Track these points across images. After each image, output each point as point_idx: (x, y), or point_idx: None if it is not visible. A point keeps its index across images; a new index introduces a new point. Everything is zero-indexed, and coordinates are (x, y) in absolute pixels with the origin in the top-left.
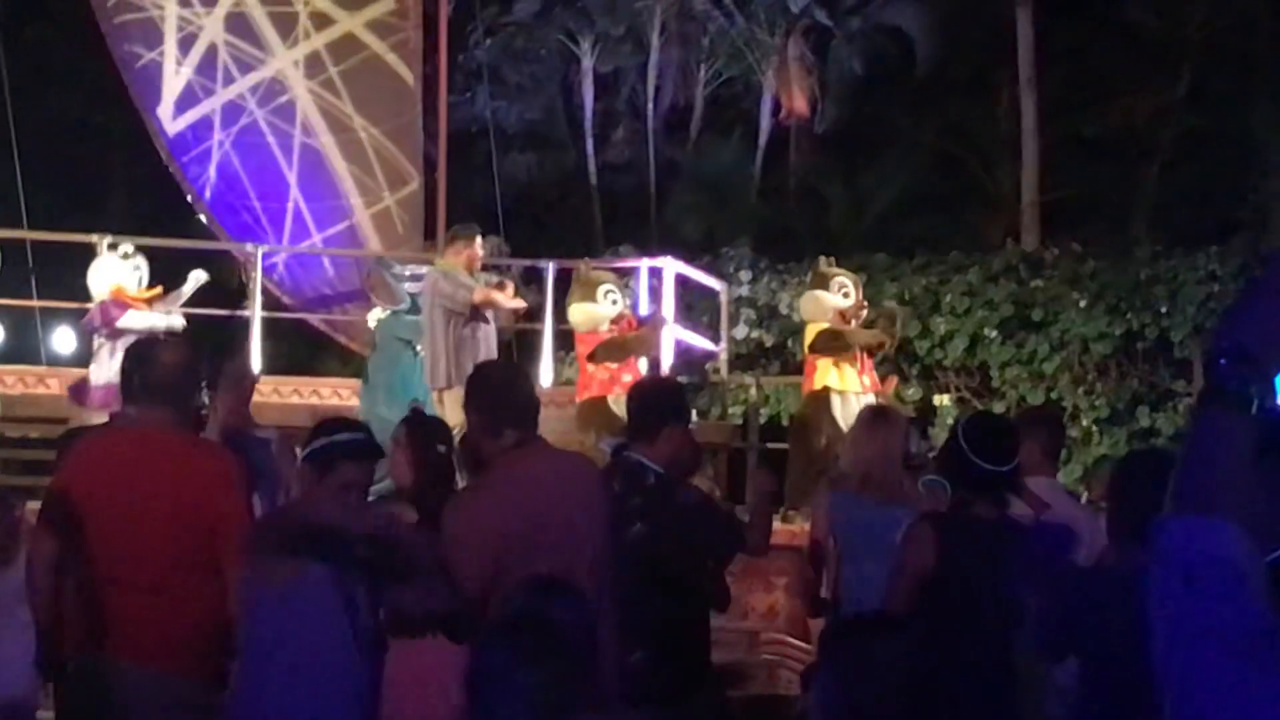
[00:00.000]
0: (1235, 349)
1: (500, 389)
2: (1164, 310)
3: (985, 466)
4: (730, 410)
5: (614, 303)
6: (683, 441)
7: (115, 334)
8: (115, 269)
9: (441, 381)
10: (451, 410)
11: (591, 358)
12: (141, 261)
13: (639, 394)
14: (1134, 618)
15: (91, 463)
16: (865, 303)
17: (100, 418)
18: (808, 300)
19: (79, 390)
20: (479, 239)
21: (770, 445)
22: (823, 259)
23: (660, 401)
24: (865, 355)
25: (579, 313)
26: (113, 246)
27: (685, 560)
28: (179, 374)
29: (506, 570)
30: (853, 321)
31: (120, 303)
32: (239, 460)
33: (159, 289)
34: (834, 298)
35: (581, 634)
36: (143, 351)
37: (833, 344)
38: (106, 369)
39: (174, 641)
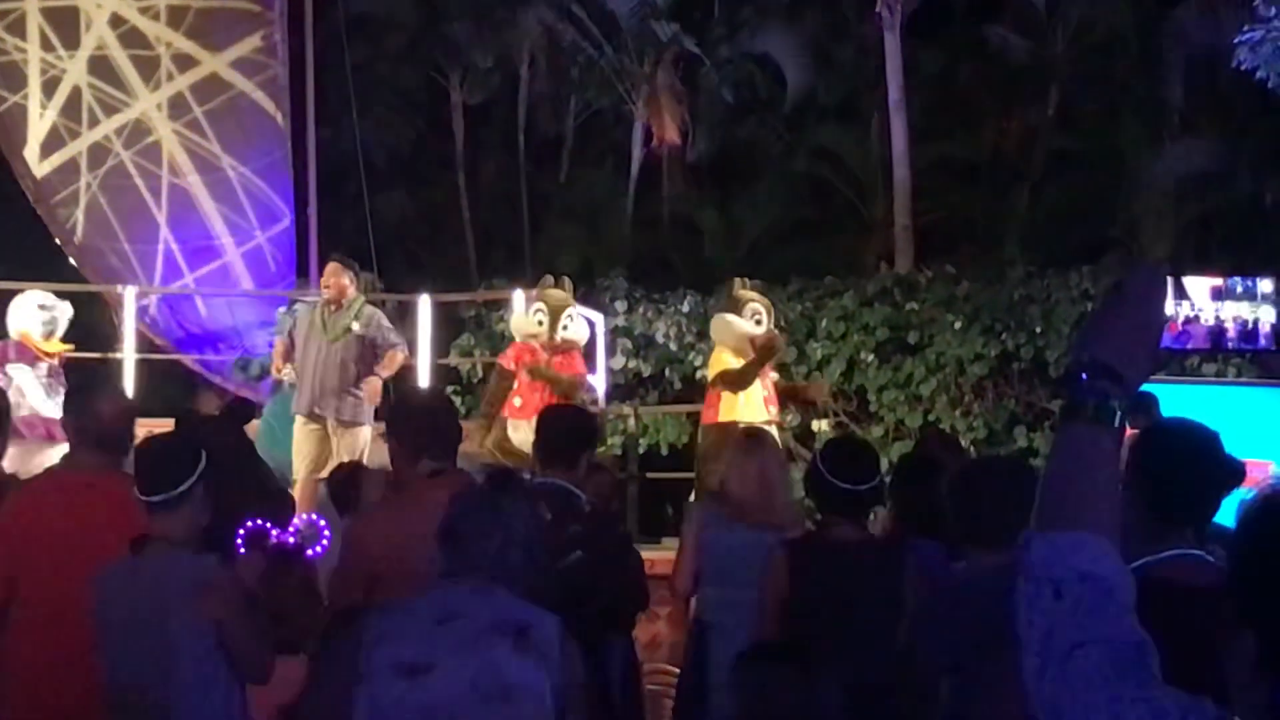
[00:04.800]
0: (1095, 363)
1: (422, 418)
2: (1038, 330)
3: (843, 486)
4: (609, 440)
5: (758, 323)
6: (598, 469)
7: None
8: (27, 315)
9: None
10: None
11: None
12: (61, 312)
13: (556, 421)
14: (986, 624)
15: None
16: (775, 331)
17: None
18: (718, 323)
19: None
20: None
21: (650, 475)
22: (738, 280)
23: (578, 428)
24: (770, 384)
25: (722, 324)
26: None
27: (616, 590)
28: (122, 423)
29: (376, 590)
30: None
31: (20, 348)
32: None
33: (69, 346)
34: (746, 324)
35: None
36: (82, 402)
37: (738, 383)
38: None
39: None
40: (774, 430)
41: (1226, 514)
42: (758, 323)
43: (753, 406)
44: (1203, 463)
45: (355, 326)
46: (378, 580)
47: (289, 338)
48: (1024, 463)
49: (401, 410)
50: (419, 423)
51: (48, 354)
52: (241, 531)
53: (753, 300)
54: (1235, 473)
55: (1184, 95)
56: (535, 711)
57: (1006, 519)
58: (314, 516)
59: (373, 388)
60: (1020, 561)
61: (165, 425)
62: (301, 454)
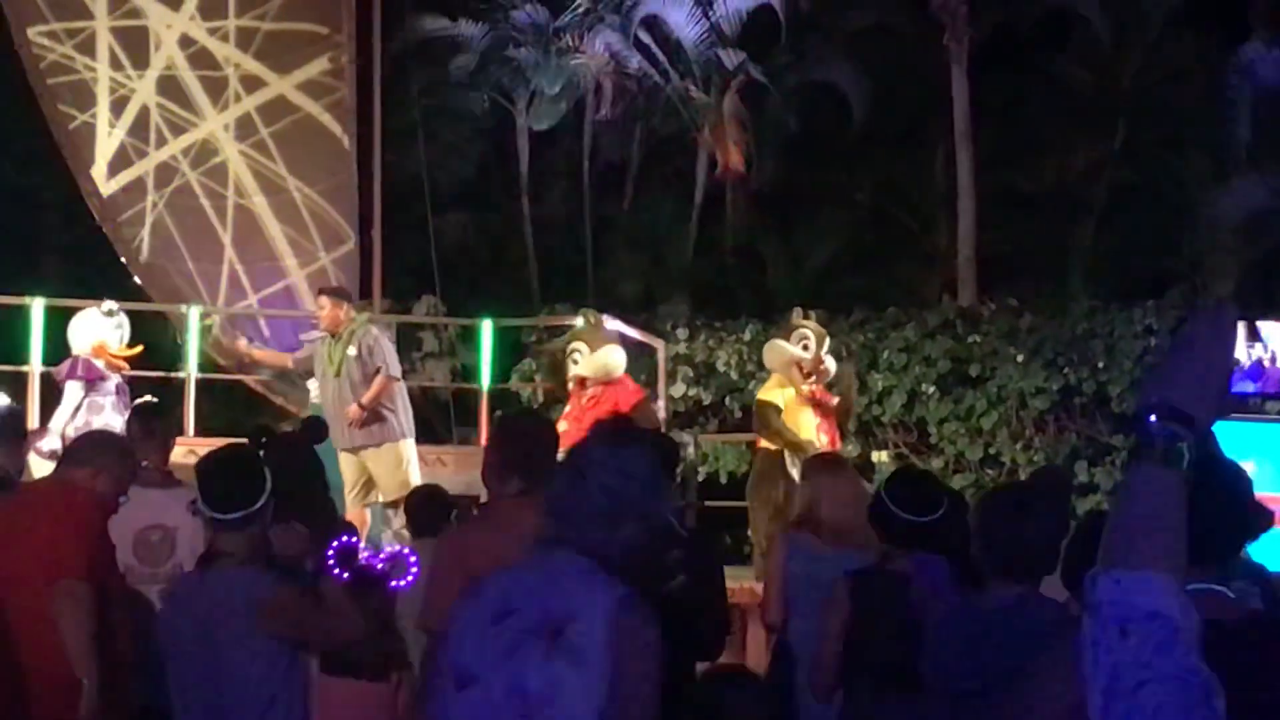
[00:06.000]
0: (1163, 404)
1: (520, 439)
2: (1101, 365)
3: (907, 518)
4: None
5: (805, 348)
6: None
7: (91, 388)
8: (98, 325)
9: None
10: None
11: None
12: (124, 320)
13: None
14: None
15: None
16: (823, 359)
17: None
18: (768, 347)
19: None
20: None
21: (710, 504)
22: (797, 309)
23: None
24: (823, 413)
25: (770, 348)
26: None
27: (715, 615)
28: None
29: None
30: (811, 376)
31: (89, 365)
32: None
33: (139, 348)
34: (793, 348)
35: None
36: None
37: (763, 422)
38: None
39: None
40: None
41: (1261, 552)
42: (805, 348)
43: (804, 432)
44: (1228, 502)
45: (350, 352)
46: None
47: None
48: (1052, 493)
49: (502, 428)
50: (515, 441)
51: (126, 360)
52: (333, 548)
53: (801, 326)
54: (1262, 514)
55: (1251, 131)
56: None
57: (1033, 552)
58: (405, 550)
59: (349, 412)
60: (1087, 599)
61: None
62: (345, 483)
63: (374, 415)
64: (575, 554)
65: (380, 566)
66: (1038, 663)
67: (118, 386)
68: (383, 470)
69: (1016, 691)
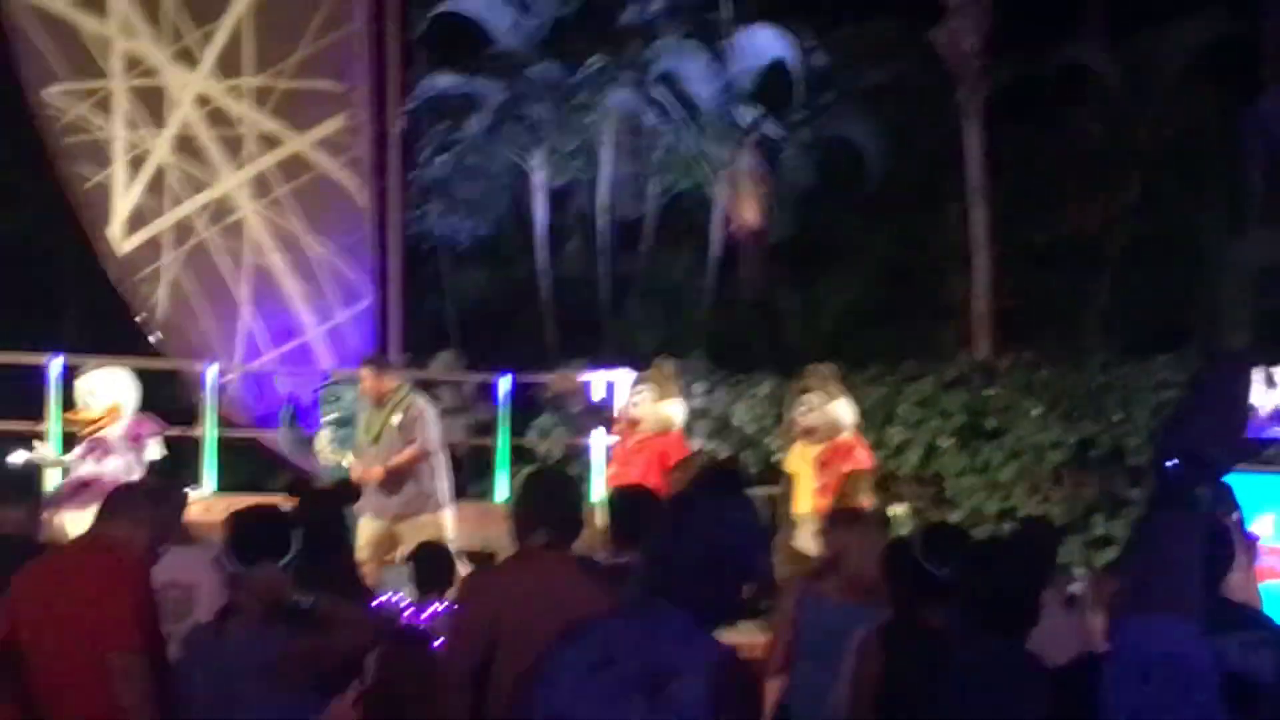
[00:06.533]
0: (1183, 451)
1: (547, 492)
2: (1118, 418)
3: (939, 572)
4: None
5: (804, 411)
6: None
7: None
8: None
9: None
10: None
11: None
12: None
13: (624, 500)
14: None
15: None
16: (798, 422)
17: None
18: None
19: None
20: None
21: None
22: (811, 365)
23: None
24: (825, 474)
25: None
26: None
27: None
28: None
29: (496, 658)
30: (795, 433)
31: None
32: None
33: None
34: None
35: None
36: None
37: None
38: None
39: None
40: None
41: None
42: (804, 411)
43: (801, 498)
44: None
45: (394, 421)
46: (496, 644)
47: (355, 449)
48: (1030, 546)
49: (529, 481)
50: (539, 494)
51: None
52: (377, 601)
53: (805, 391)
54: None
55: (1265, 183)
56: None
57: (1010, 605)
58: (442, 606)
59: (369, 473)
60: (1111, 644)
61: (243, 502)
62: (363, 549)
63: (414, 486)
64: (675, 606)
65: (422, 625)
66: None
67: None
68: (413, 541)
69: None
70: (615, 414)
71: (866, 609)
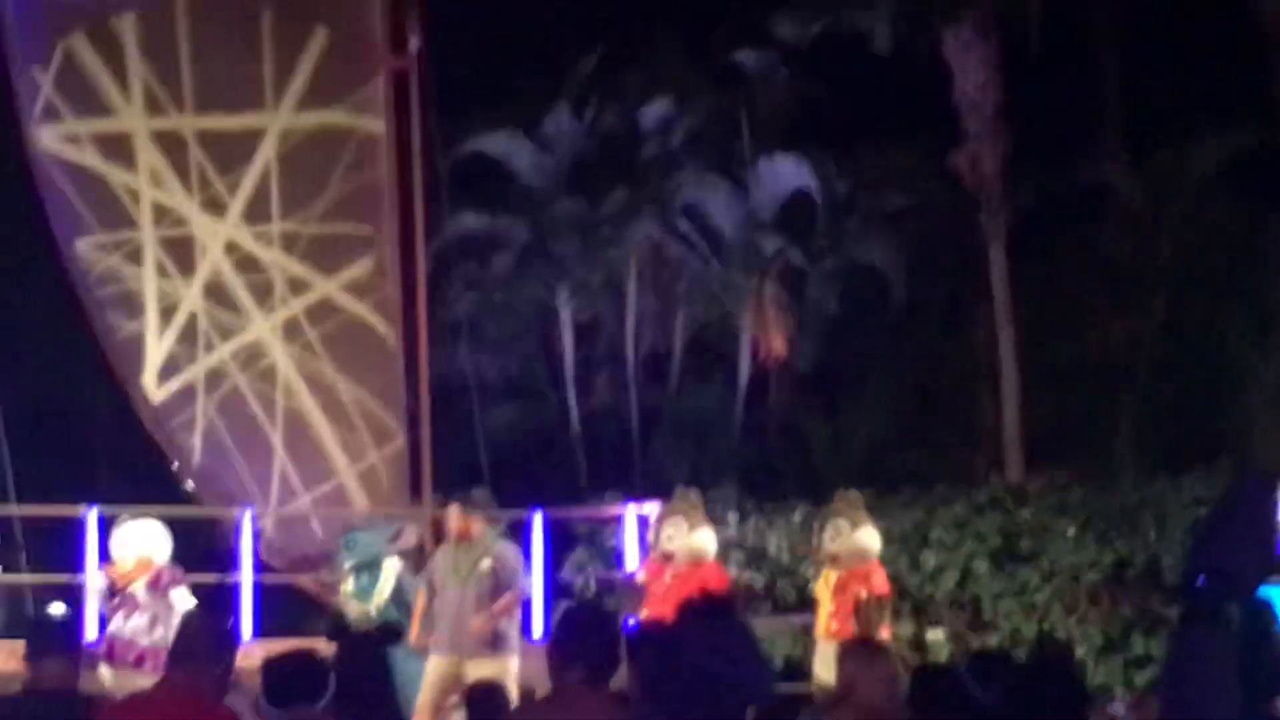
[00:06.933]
0: (1212, 567)
1: (583, 628)
2: (1152, 536)
3: (988, 701)
4: None
5: (832, 538)
6: None
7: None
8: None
9: None
10: None
11: None
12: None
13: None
14: None
15: None
16: (825, 549)
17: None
18: None
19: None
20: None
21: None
22: (840, 491)
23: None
24: (841, 600)
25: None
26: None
27: None
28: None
29: None
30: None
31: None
32: None
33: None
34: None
35: None
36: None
37: None
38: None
39: None
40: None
41: None
42: (832, 538)
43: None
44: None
45: (485, 564)
46: None
47: (429, 586)
48: (1052, 673)
49: (566, 617)
50: (578, 630)
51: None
52: None
53: (834, 516)
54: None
55: None
56: None
57: None
58: None
59: (478, 624)
60: None
61: (282, 646)
62: (430, 687)
63: (497, 628)
64: None
65: None
66: None
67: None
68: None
69: None
70: (647, 549)
71: None
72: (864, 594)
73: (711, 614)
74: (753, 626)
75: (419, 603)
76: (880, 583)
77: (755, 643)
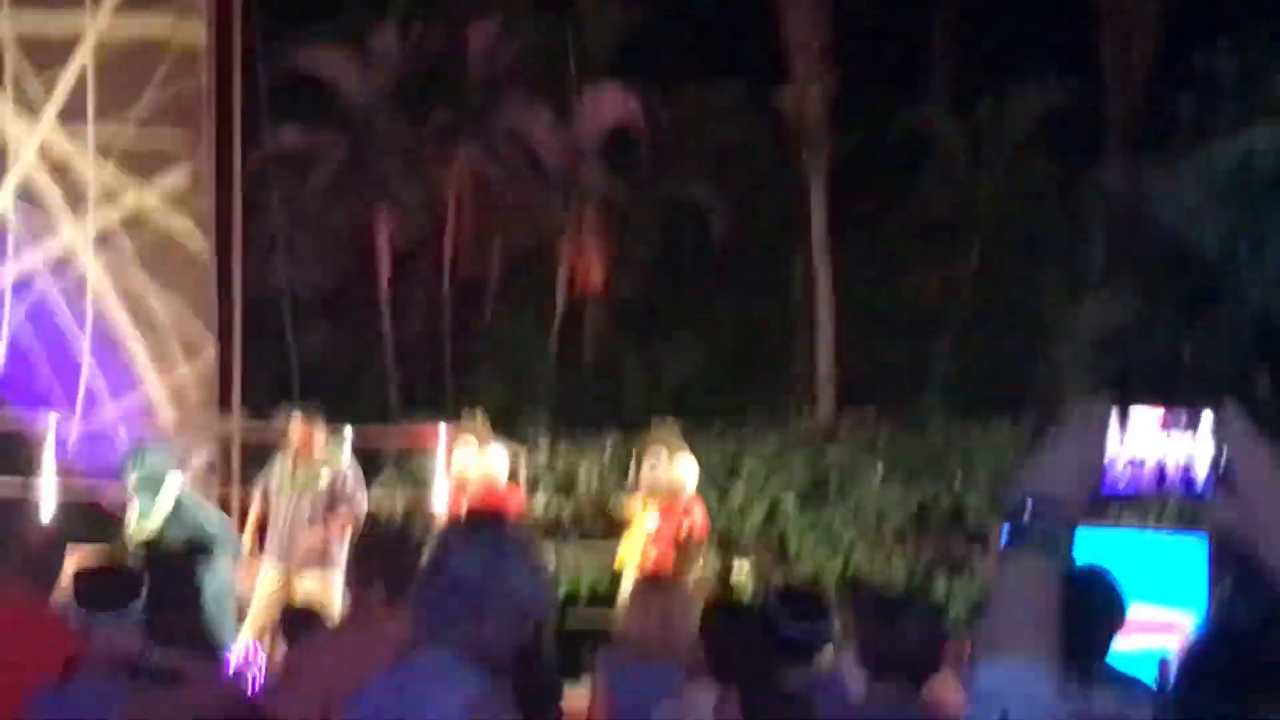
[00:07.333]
0: (1038, 493)
1: (381, 547)
2: (958, 480)
3: (795, 632)
4: None
5: (651, 467)
6: None
7: None
8: None
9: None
10: None
11: None
12: None
13: None
14: None
15: None
16: (641, 478)
17: None
18: None
19: None
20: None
21: (569, 617)
22: (667, 424)
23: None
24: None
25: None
26: None
27: None
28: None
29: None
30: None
31: None
32: None
33: None
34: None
35: None
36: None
37: None
38: None
39: None
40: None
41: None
42: (651, 467)
43: (632, 551)
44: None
45: (323, 476)
46: (330, 706)
47: (264, 495)
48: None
49: (364, 538)
50: (376, 549)
51: None
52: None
53: (653, 445)
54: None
55: (1106, 249)
56: None
57: (909, 653)
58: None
59: (310, 537)
60: (970, 689)
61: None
62: (262, 595)
63: (328, 542)
64: (437, 652)
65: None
66: None
67: None
68: (320, 595)
69: None
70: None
71: (668, 669)
72: (686, 529)
73: (481, 524)
74: (535, 543)
75: (253, 510)
76: (701, 518)
77: (529, 554)
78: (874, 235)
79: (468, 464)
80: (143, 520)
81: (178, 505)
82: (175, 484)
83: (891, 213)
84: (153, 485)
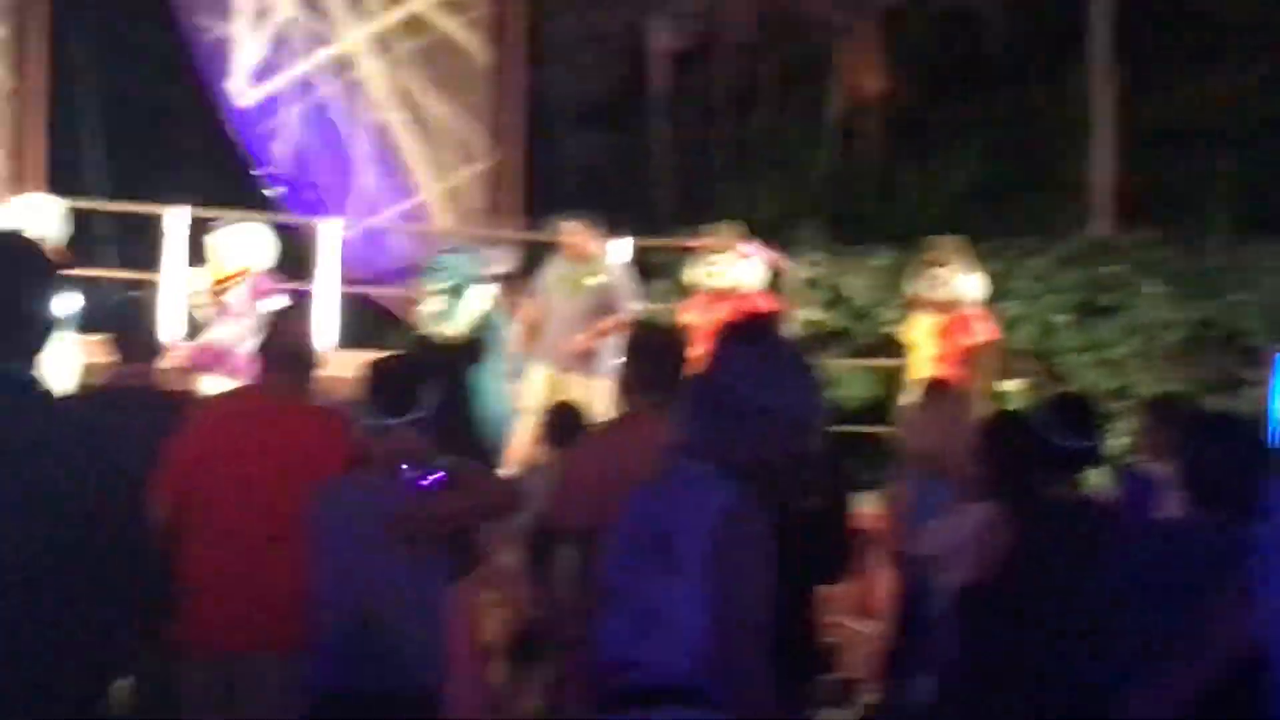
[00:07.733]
0: None
1: (653, 350)
2: (1238, 298)
3: (1067, 444)
4: None
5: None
6: None
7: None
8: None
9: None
10: None
11: None
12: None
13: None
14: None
15: (216, 424)
16: (926, 295)
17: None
18: None
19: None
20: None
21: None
22: (951, 240)
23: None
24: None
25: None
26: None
27: (840, 538)
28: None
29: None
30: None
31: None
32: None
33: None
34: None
35: None
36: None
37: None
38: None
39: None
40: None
41: None
42: (933, 283)
43: (918, 368)
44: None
45: (591, 283)
46: (598, 509)
47: (536, 298)
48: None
49: (634, 342)
50: (647, 354)
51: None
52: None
53: (934, 264)
54: None
55: None
56: (674, 639)
57: (1222, 477)
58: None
59: (579, 341)
60: (1262, 506)
61: (359, 359)
62: (532, 395)
63: (596, 347)
64: (698, 461)
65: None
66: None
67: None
68: (585, 399)
69: (1194, 616)
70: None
71: (944, 483)
72: (969, 341)
73: (748, 336)
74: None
75: (525, 312)
76: (987, 330)
77: (803, 365)
78: (1156, 45)
79: (730, 274)
80: (441, 323)
81: (484, 315)
82: (483, 292)
83: (1177, 21)
84: (455, 290)
